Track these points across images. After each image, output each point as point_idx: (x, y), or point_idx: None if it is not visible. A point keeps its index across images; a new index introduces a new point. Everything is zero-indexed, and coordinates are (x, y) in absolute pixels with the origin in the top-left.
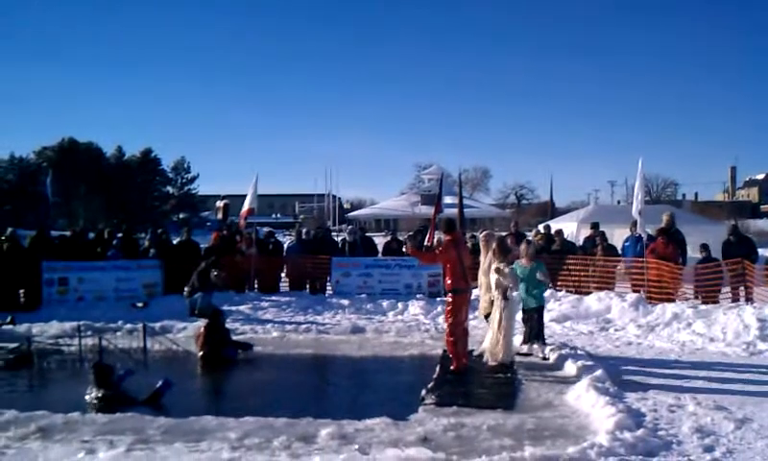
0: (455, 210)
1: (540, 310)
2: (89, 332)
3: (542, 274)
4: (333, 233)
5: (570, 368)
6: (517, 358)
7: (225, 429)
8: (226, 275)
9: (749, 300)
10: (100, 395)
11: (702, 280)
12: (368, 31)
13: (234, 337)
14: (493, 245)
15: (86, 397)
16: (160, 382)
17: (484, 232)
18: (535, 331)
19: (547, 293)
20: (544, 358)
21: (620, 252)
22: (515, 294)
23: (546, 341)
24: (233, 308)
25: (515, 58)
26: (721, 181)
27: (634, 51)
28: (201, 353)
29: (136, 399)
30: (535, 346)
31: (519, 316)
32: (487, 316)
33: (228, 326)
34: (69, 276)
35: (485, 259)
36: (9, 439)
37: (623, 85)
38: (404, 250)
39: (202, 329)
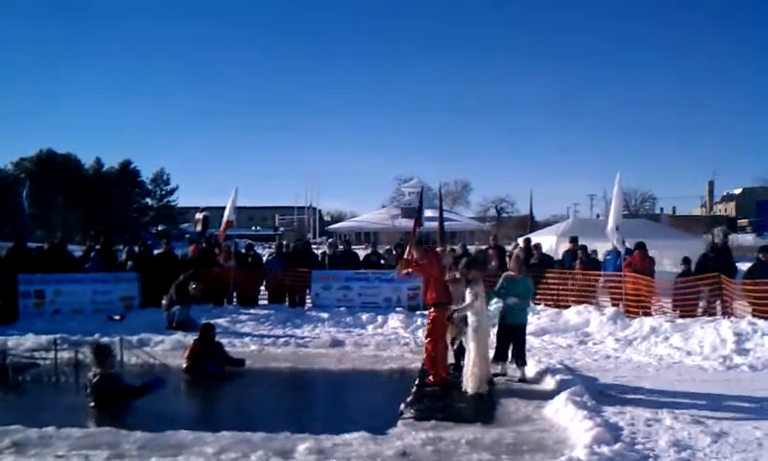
0: (435, 224)
1: (521, 329)
2: (65, 345)
3: (516, 298)
4: (313, 246)
5: (549, 382)
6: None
7: (201, 444)
8: (204, 287)
9: (725, 314)
10: (99, 371)
11: (680, 294)
12: (347, 44)
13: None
14: (463, 261)
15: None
16: (154, 377)
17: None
18: (515, 351)
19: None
20: (521, 380)
21: (602, 266)
22: (491, 309)
23: (526, 360)
24: (211, 321)
25: (494, 71)
26: (699, 195)
27: (613, 65)
28: (184, 366)
29: (130, 385)
30: (513, 366)
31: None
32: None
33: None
34: (46, 288)
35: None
36: None
37: (602, 99)
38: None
39: (191, 342)
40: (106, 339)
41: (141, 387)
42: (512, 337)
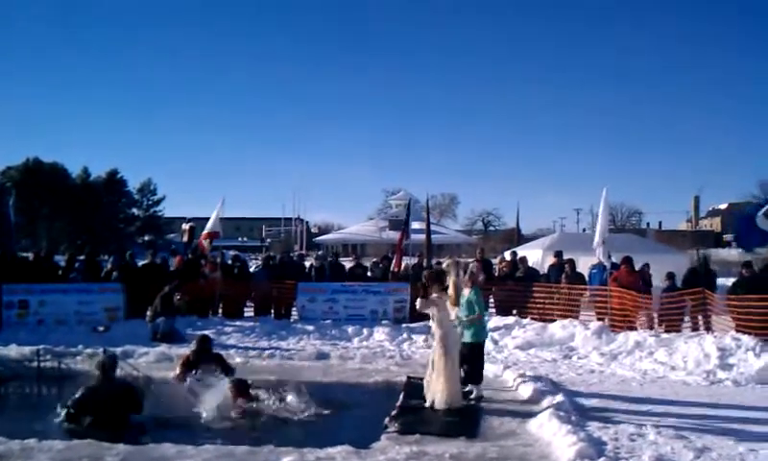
0: (423, 236)
1: (470, 347)
2: (49, 357)
3: (466, 315)
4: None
5: (533, 396)
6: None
7: (184, 458)
8: (189, 299)
9: (708, 329)
10: (104, 383)
11: (665, 309)
12: (334, 56)
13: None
14: (425, 274)
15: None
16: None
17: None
18: (470, 370)
19: (491, 323)
20: (476, 399)
21: (587, 279)
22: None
23: (479, 379)
24: (197, 333)
25: (481, 83)
26: (685, 210)
27: (599, 79)
28: (176, 373)
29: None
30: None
31: None
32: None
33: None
34: (30, 299)
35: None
36: None
37: (589, 114)
38: None
39: (188, 353)
40: (89, 351)
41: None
42: (466, 356)
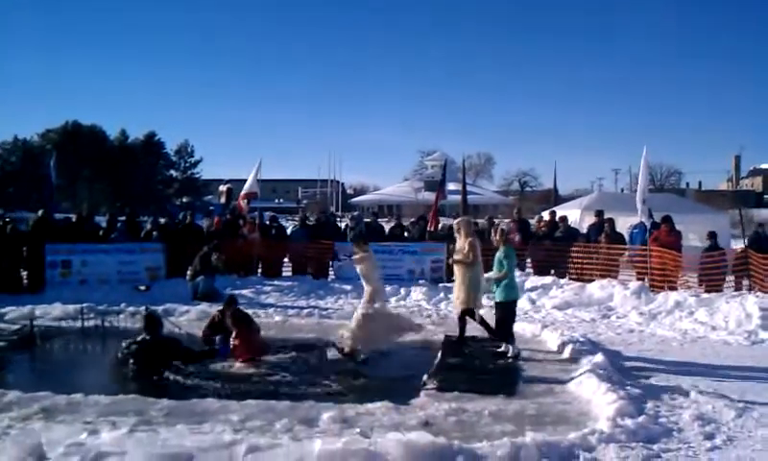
0: (459, 197)
1: (505, 306)
2: (92, 315)
3: (496, 273)
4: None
5: (572, 355)
6: (518, 345)
7: (227, 412)
8: (226, 258)
9: (751, 289)
10: (146, 339)
11: (706, 269)
12: (370, 16)
13: None
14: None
15: (123, 343)
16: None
17: (457, 219)
18: (500, 329)
19: (528, 283)
20: (513, 357)
21: (628, 239)
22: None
23: (507, 337)
24: (236, 292)
25: (518, 44)
26: (725, 170)
27: (638, 37)
28: (202, 334)
29: (191, 349)
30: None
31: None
32: (463, 313)
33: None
34: (72, 258)
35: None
36: (12, 419)
37: (627, 73)
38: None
39: (214, 314)
40: (131, 309)
41: (207, 352)
42: (497, 313)
